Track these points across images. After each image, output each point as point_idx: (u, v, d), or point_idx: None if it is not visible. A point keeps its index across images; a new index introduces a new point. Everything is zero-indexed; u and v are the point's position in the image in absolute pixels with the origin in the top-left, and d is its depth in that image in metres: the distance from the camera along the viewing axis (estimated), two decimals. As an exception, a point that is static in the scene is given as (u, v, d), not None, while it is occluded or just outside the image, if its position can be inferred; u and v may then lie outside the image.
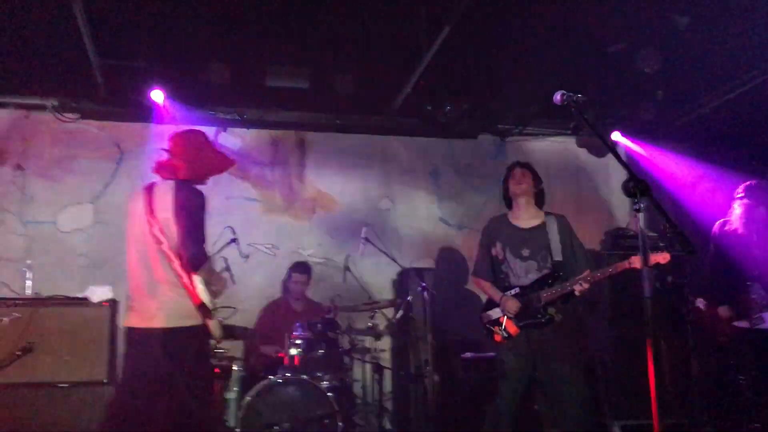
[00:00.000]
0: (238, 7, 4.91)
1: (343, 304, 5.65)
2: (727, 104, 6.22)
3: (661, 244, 5.70)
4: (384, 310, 5.84)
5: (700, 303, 5.25)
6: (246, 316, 6.10)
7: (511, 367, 4.01)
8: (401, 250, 6.63)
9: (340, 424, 4.73)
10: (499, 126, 7.02)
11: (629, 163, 6.59)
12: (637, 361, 5.60)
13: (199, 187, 3.50)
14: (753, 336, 4.83)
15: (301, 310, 5.90)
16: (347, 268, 6.01)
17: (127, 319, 3.45)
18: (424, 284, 5.30)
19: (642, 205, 2.48)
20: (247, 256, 6.14)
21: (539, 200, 4.31)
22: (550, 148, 7.26)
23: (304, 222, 6.70)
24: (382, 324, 5.75)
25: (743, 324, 4.87)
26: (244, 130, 6.66)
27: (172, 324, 3.28)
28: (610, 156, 6.86)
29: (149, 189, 3.48)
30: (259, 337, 5.77)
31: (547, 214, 4.27)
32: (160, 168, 3.52)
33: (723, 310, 4.99)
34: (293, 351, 5.01)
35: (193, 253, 3.29)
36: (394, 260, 5.91)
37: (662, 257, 3.76)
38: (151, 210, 3.37)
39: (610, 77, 5.94)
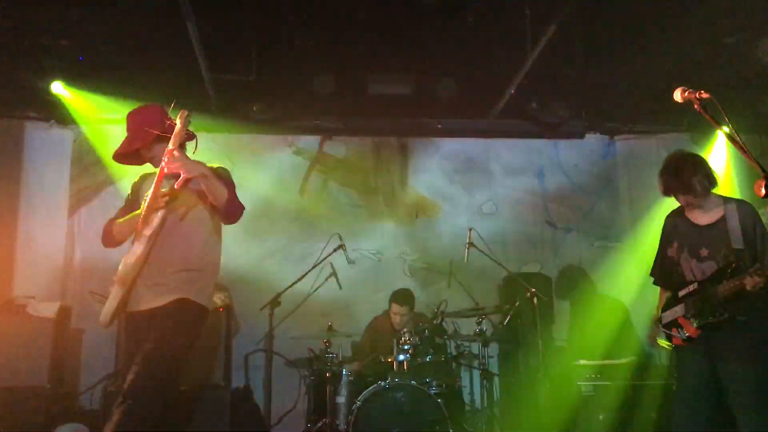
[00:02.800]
0: (340, 19, 5.00)
1: (449, 310, 5.62)
2: None
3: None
4: (491, 316, 5.76)
5: None
6: (352, 322, 6.21)
7: (690, 372, 3.62)
8: (507, 254, 6.52)
9: (451, 430, 4.69)
10: (608, 124, 6.79)
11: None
12: None
13: None
14: None
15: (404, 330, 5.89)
16: (452, 274, 5.97)
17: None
18: (533, 289, 5.18)
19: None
20: (353, 262, 6.26)
21: (706, 188, 3.64)
22: (664, 146, 6.93)
23: (408, 227, 6.73)
24: (489, 330, 5.68)
25: None
26: (348, 138, 6.78)
27: None
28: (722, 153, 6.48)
29: None
30: (357, 354, 5.86)
31: (727, 201, 3.70)
32: None
33: None
34: (401, 356, 5.02)
35: None
36: (501, 264, 5.81)
37: None
38: None
39: (726, 70, 5.61)
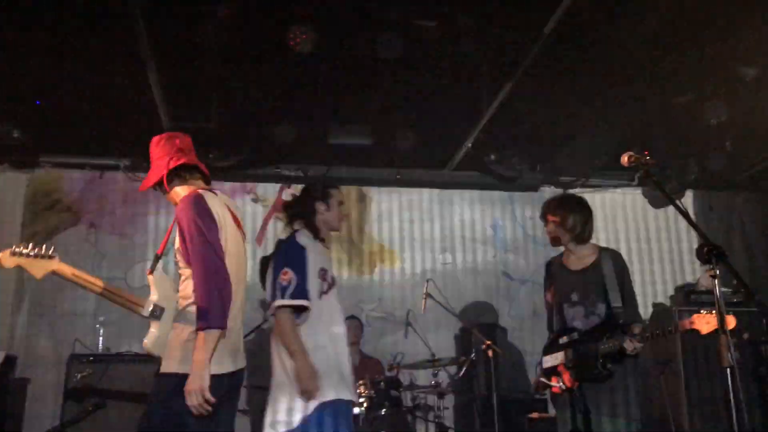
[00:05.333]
0: (301, 71, 5.07)
1: (405, 361, 5.60)
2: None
3: (734, 300, 5.54)
4: (447, 367, 5.75)
5: None
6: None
7: (566, 420, 3.64)
8: (464, 305, 6.56)
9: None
10: (561, 178, 6.96)
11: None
12: (713, 422, 5.38)
13: None
14: None
15: (357, 365, 5.85)
16: (409, 324, 5.98)
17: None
18: (488, 341, 5.20)
19: (717, 272, 2.40)
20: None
21: (581, 236, 3.84)
22: (615, 200, 7.13)
23: (366, 276, 6.73)
24: (445, 381, 5.67)
25: None
26: (307, 186, 6.80)
27: None
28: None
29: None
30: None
31: (602, 250, 3.88)
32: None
33: None
34: (356, 410, 4.96)
35: None
36: (457, 316, 5.85)
37: (729, 321, 3.50)
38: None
39: (677, 130, 5.84)
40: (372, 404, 5.01)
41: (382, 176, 6.83)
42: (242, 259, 3.03)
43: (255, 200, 6.74)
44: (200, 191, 2.91)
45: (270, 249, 6.56)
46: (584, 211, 3.88)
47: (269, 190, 6.79)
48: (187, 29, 4.57)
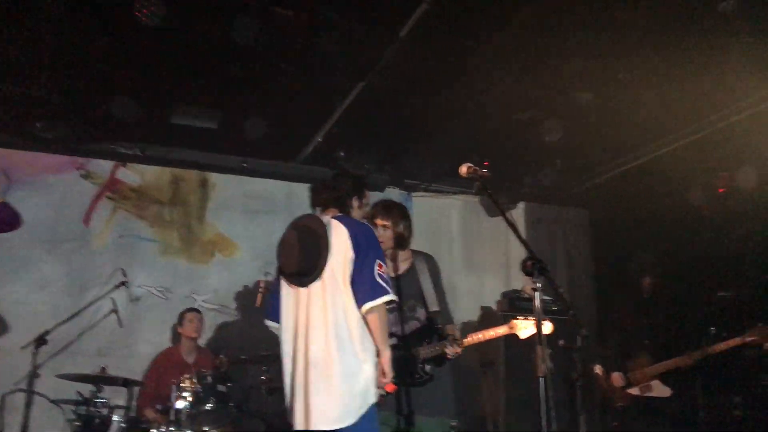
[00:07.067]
0: (149, 44, 4.76)
1: (236, 356, 5.45)
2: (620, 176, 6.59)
3: (554, 308, 5.93)
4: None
5: (598, 369, 5.40)
6: (133, 362, 5.81)
7: (390, 426, 3.65)
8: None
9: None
10: (407, 181, 7.10)
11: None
12: (527, 423, 5.74)
13: None
14: (643, 403, 5.09)
15: (193, 362, 5.62)
16: (245, 318, 5.82)
17: None
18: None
19: (539, 285, 2.53)
20: (137, 299, 5.91)
21: (406, 242, 3.94)
22: (455, 206, 7.40)
23: (202, 266, 6.46)
24: (277, 378, 5.56)
25: (634, 391, 5.10)
26: (145, 166, 6.41)
27: None
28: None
29: None
30: (144, 395, 5.48)
31: (415, 253, 3.98)
32: None
33: (616, 377, 5.20)
34: (179, 404, 4.75)
35: None
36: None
37: (547, 327, 3.76)
38: None
39: (515, 144, 6.16)
40: (197, 399, 4.82)
41: (227, 163, 6.58)
42: None
43: (85, 176, 6.24)
44: None
45: (99, 228, 6.16)
46: (409, 218, 3.97)
47: (103, 167, 6.33)
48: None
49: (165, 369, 5.53)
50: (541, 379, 2.46)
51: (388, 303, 3.24)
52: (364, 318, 3.25)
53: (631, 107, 5.47)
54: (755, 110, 5.20)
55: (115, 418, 4.93)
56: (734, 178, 5.84)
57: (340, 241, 3.30)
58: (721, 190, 6.14)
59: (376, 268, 3.23)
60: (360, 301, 3.23)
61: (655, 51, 4.73)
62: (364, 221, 3.60)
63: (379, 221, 3.89)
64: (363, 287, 3.22)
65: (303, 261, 3.29)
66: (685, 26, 4.47)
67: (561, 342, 5.87)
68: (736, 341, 4.71)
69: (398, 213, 3.95)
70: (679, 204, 6.25)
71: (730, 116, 5.38)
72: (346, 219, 3.40)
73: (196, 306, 6.06)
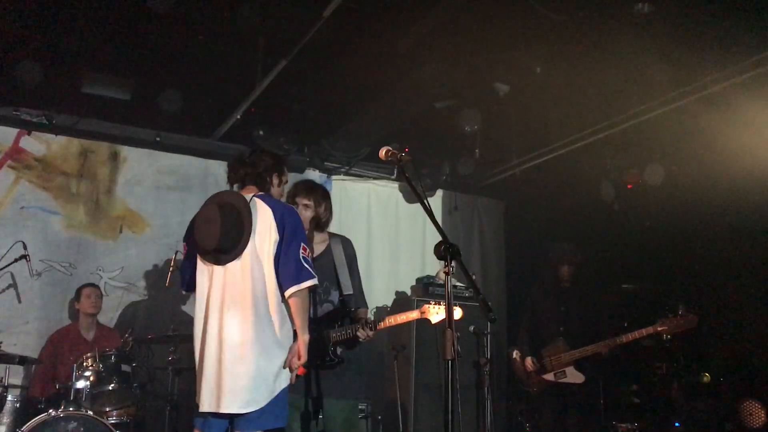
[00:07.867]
0: (56, 6, 4.51)
1: (142, 335, 5.28)
2: (535, 168, 6.77)
3: (466, 294, 6.06)
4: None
5: (516, 354, 5.54)
6: (31, 339, 5.55)
7: (298, 409, 3.62)
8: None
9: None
10: (327, 164, 7.04)
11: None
12: (435, 405, 5.84)
13: None
14: (554, 388, 5.28)
15: (93, 338, 5.40)
16: (152, 296, 5.65)
17: None
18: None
19: (452, 268, 2.56)
20: (39, 274, 5.65)
21: (326, 223, 3.93)
22: (374, 190, 7.40)
23: (109, 241, 6.19)
24: (185, 358, 5.43)
25: (549, 377, 5.27)
26: (52, 136, 6.08)
27: None
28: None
29: None
30: (39, 373, 5.24)
31: (332, 236, 3.96)
32: None
33: (529, 363, 5.36)
34: (80, 384, 4.56)
35: None
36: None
37: (456, 313, 3.79)
38: None
39: (436, 132, 6.22)
40: (99, 379, 4.65)
41: (139, 136, 6.31)
42: None
43: (-17, 144, 5.87)
44: None
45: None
46: (329, 200, 3.96)
47: (5, 135, 5.95)
48: None
49: (62, 346, 5.31)
50: (448, 362, 2.48)
51: (310, 287, 3.21)
52: (286, 301, 3.20)
53: (548, 101, 5.62)
54: (665, 109, 5.42)
55: (9, 397, 4.68)
56: (642, 175, 6.09)
57: (263, 220, 3.23)
58: (629, 186, 6.41)
59: (301, 251, 3.18)
60: (284, 285, 3.18)
61: (572, 47, 4.87)
62: (285, 200, 3.55)
63: (300, 200, 3.84)
64: (287, 270, 3.17)
65: (223, 238, 3.19)
66: (601, 25, 4.62)
67: (472, 328, 6.02)
68: (648, 330, 4.88)
69: (320, 193, 3.92)
70: (591, 198, 6.48)
71: (641, 114, 5.60)
72: (269, 198, 3.34)
73: (101, 283, 5.83)
